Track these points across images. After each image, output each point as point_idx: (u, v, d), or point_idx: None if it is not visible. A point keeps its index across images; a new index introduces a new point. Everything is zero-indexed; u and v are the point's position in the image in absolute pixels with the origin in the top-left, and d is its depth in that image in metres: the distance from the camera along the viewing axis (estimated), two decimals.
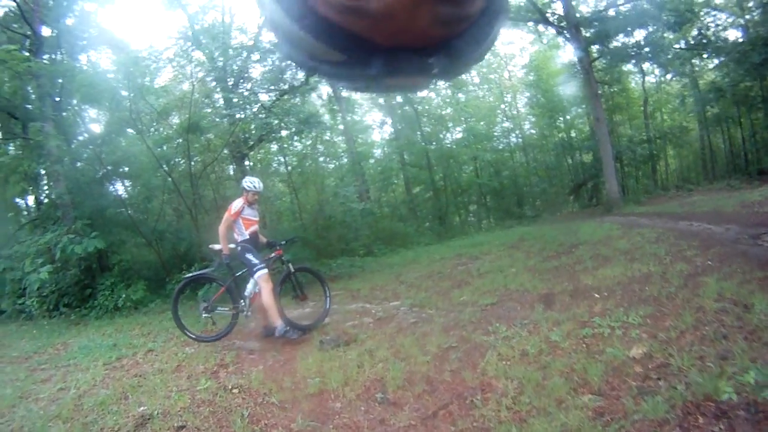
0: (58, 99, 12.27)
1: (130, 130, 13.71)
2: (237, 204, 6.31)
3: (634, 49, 19.82)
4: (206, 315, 6.76)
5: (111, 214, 12.89)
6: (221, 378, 5.14)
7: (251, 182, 6.36)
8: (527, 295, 6.47)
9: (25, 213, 15.72)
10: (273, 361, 5.51)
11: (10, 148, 13.33)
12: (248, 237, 6.38)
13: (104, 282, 11.67)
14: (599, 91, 20.28)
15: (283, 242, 6.96)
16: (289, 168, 19.22)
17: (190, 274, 7.38)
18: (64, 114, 12.63)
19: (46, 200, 13.67)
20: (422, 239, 19.52)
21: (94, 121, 13.46)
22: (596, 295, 5.64)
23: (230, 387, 4.71)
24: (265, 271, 6.22)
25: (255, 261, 6.22)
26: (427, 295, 7.80)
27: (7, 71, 11.54)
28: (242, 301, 6.43)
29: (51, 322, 10.76)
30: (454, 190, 26.60)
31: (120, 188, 14.19)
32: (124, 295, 11.15)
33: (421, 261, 12.61)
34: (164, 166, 12.70)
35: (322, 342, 5.63)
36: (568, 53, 24.21)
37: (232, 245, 6.45)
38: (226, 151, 14.56)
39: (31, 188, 13.31)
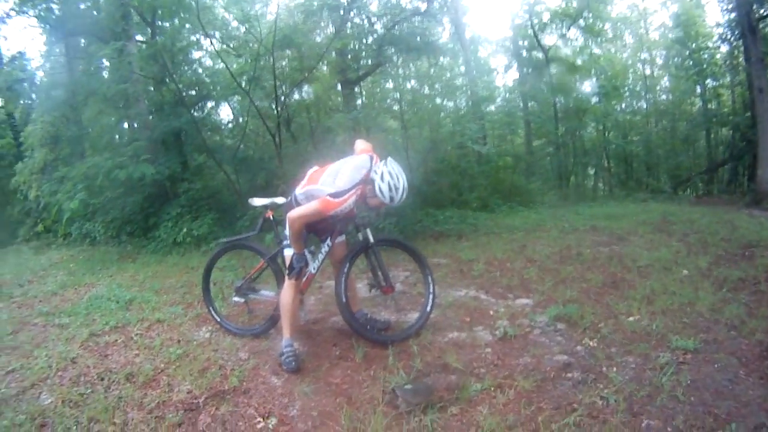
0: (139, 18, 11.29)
1: (209, 47, 12.39)
2: (338, 202, 3.80)
3: None
4: (237, 299, 4.70)
5: (185, 138, 11.60)
6: (199, 420, 3.29)
7: (387, 191, 3.83)
8: (738, 339, 3.95)
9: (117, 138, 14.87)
10: (298, 409, 3.38)
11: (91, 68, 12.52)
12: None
13: (170, 212, 10.49)
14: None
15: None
16: (403, 103, 17.07)
17: (229, 239, 5.07)
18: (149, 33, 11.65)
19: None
20: (545, 200, 17.18)
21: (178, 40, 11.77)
22: None
23: None
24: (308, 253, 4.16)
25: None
26: (573, 296, 5.24)
27: None
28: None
29: (109, 250, 10.42)
30: (577, 149, 23.68)
31: (199, 110, 12.70)
32: (185, 229, 9.89)
33: (549, 229, 9.94)
34: (243, 84, 10.79)
35: (397, 393, 3.32)
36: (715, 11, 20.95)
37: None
38: (324, 69, 12.66)
39: (107, 109, 12.17)
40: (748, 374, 3.39)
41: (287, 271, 4.04)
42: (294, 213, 3.84)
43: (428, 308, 4.44)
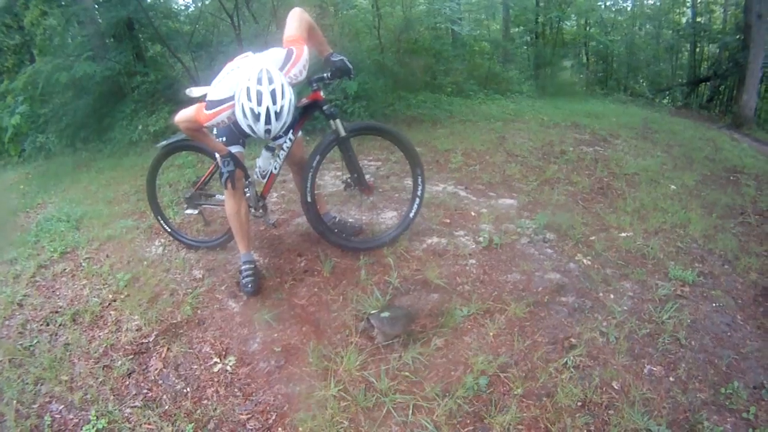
0: None
1: None
2: (207, 115, 2.90)
3: None
4: (190, 211, 4.04)
5: (137, 28, 10.50)
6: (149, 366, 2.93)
7: (242, 116, 2.69)
8: (732, 276, 3.75)
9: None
10: (259, 343, 2.99)
11: None
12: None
13: (124, 110, 9.69)
14: None
15: (325, 75, 3.33)
16: None
17: (168, 140, 4.03)
18: None
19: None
20: (522, 89, 16.48)
21: None
22: None
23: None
24: (239, 150, 3.36)
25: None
26: (560, 200, 4.89)
27: None
28: (246, 189, 3.49)
29: (65, 161, 9.41)
30: (557, 41, 22.60)
31: None
32: (141, 127, 9.17)
33: (528, 121, 9.50)
34: None
35: (372, 323, 2.90)
36: None
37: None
38: None
39: (51, 9, 10.60)
40: (745, 320, 3.25)
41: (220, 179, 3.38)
42: (178, 115, 3.06)
43: (412, 213, 3.82)
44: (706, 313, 3.18)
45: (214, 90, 2.85)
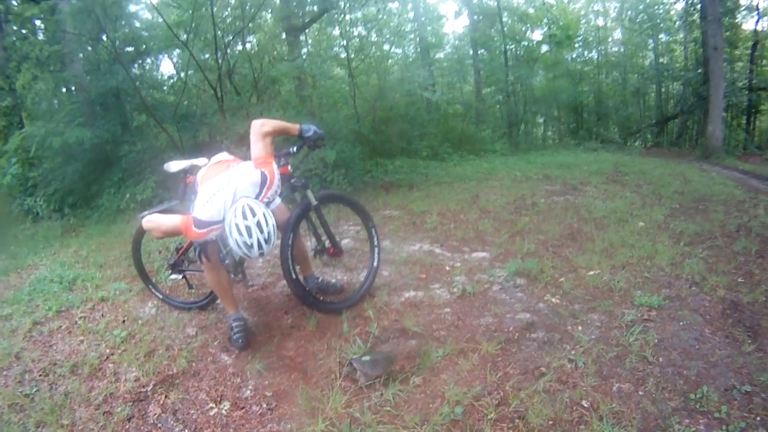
0: None
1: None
2: (198, 233, 3.13)
3: None
4: (174, 276, 4.27)
5: (124, 98, 10.88)
6: (149, 411, 3.05)
7: (236, 247, 3.06)
8: (700, 296, 3.91)
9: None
10: (252, 390, 3.15)
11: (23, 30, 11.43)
12: None
13: (111, 178, 9.90)
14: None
15: (291, 150, 3.70)
16: (350, 51, 16.57)
17: (149, 210, 4.06)
18: None
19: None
20: (496, 148, 17.01)
21: None
22: None
23: None
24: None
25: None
26: (531, 249, 5.08)
27: None
28: (225, 257, 3.63)
29: (53, 225, 9.55)
30: (528, 98, 23.34)
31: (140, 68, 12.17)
32: (128, 195, 9.28)
33: (501, 178, 9.81)
34: (181, 36, 10.30)
35: (355, 366, 3.08)
36: None
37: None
38: (267, 16, 12.10)
39: (42, 74, 11.05)
40: (713, 332, 3.36)
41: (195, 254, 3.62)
42: (151, 222, 3.37)
43: (375, 263, 4.11)
44: (674, 332, 3.32)
45: (203, 210, 3.09)
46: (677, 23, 23.45)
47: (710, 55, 16.38)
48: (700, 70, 19.02)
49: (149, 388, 3.16)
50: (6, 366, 3.59)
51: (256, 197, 3.15)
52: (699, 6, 17.61)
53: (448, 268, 4.68)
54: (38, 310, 4.58)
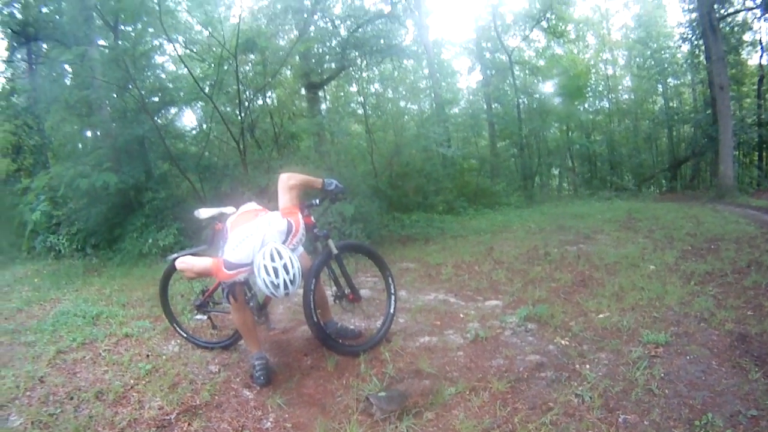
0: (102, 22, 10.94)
1: (172, 51, 12.08)
2: (228, 274, 3.42)
3: None
4: (199, 317, 4.54)
5: (149, 146, 11.26)
6: None
7: (264, 286, 3.33)
8: (708, 331, 4.02)
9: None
10: (272, 422, 3.28)
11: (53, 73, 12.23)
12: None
13: (134, 222, 10.21)
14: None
15: (314, 202, 4.01)
16: (367, 107, 16.99)
17: (177, 254, 4.33)
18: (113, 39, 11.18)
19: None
20: (510, 201, 17.18)
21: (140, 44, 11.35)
22: None
23: None
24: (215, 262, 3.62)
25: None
26: (542, 296, 5.23)
27: None
28: (250, 300, 3.85)
29: (75, 263, 9.91)
30: (542, 150, 23.86)
31: (162, 117, 12.39)
32: (151, 240, 9.62)
33: (515, 230, 10.02)
34: (206, 89, 10.64)
35: (371, 401, 3.21)
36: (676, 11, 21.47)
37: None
38: (287, 73, 12.37)
39: (70, 117, 11.66)
40: (720, 364, 3.44)
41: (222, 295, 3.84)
42: (185, 263, 3.66)
43: (391, 309, 4.32)
44: (680, 365, 3.41)
45: (233, 253, 3.39)
46: (684, 66, 23.71)
47: (717, 94, 16.49)
48: (708, 111, 19.06)
49: (173, 417, 3.29)
50: (30, 387, 3.74)
51: (282, 243, 3.42)
52: (704, 47, 17.79)
53: (461, 315, 4.84)
54: (62, 340, 4.76)
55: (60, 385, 3.78)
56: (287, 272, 3.24)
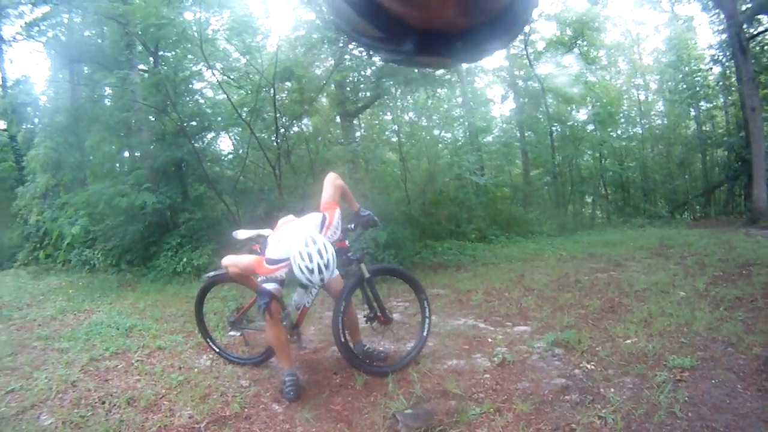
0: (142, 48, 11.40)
1: (211, 77, 12.38)
2: (269, 269, 3.69)
3: None
4: (233, 333, 4.82)
5: (186, 168, 11.62)
6: None
7: (299, 272, 3.49)
8: (735, 355, 4.01)
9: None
10: None
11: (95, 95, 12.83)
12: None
13: (170, 242, 10.50)
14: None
15: (349, 227, 4.38)
16: (401, 135, 17.21)
17: (214, 273, 4.74)
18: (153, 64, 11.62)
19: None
20: (543, 229, 17.03)
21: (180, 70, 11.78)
22: None
23: None
24: (275, 287, 3.98)
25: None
26: (570, 321, 5.28)
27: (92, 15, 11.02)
28: (284, 318, 4.15)
29: (109, 278, 10.45)
30: (575, 178, 23.58)
31: (200, 141, 12.74)
32: (185, 259, 9.89)
33: (547, 258, 10.00)
34: (244, 115, 10.95)
35: (397, 418, 3.33)
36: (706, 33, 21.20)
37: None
38: (323, 101, 12.55)
39: (110, 137, 12.20)
40: (745, 388, 3.45)
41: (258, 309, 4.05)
42: (230, 259, 3.84)
43: (425, 333, 4.44)
44: (705, 389, 3.43)
45: (274, 250, 3.69)
46: (716, 88, 23.38)
47: (749, 116, 16.08)
48: (741, 134, 18.70)
49: (202, 425, 3.43)
50: (62, 390, 3.95)
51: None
52: (735, 68, 17.55)
53: (490, 340, 4.92)
54: (95, 348, 5.01)
55: (92, 390, 3.99)
56: (321, 257, 3.41)
